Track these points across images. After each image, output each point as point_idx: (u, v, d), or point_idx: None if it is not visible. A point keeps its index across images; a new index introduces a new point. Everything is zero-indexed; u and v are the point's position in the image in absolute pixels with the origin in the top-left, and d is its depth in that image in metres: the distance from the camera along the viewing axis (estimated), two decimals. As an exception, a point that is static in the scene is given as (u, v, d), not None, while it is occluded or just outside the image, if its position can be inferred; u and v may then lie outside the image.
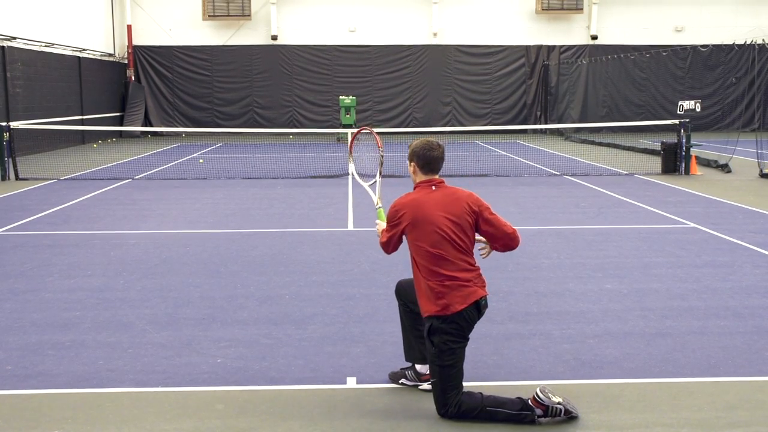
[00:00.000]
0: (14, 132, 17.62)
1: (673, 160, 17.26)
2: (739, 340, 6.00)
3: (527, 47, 33.56)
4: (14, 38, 23.01)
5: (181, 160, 21.59)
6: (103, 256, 9.09)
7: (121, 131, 30.44)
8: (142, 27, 32.87)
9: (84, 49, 28.68)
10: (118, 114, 31.98)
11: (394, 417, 4.65)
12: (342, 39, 33.39)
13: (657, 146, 20.00)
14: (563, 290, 7.45)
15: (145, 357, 5.69)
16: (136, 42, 32.88)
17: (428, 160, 4.66)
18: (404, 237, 4.71)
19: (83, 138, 28.08)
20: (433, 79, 33.42)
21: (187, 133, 31.54)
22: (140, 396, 4.99)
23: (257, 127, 32.58)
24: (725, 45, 28.76)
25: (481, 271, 4.66)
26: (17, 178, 16.75)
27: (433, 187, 4.68)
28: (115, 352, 5.79)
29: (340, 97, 29.73)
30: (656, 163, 18.36)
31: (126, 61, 32.96)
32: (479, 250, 4.87)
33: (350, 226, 11.08)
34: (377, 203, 5.20)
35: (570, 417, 4.51)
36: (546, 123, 32.72)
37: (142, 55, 32.99)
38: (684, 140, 17.16)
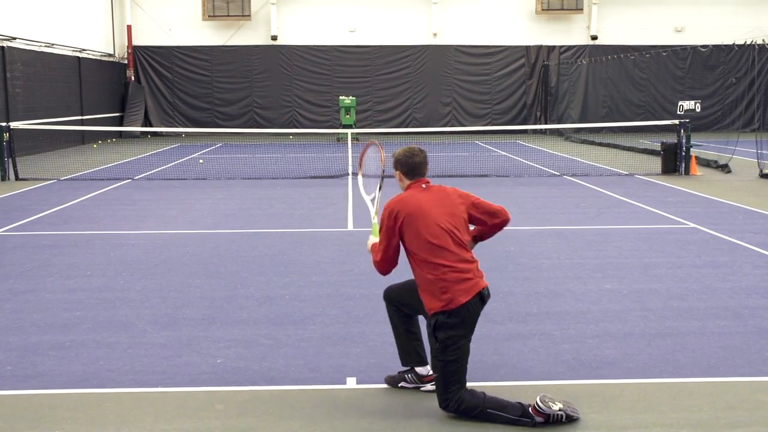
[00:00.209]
0: (14, 132, 17.62)
1: (673, 161, 17.26)
2: (738, 340, 6.00)
3: (527, 47, 33.56)
4: (14, 38, 23.02)
5: (180, 161, 21.59)
6: (103, 256, 9.09)
7: (120, 131, 30.44)
8: (142, 27, 32.86)
9: (84, 50, 28.68)
10: (118, 114, 31.98)
11: (394, 417, 4.65)
12: (342, 39, 33.39)
13: (657, 146, 20.00)
14: (563, 291, 7.46)
15: (145, 357, 5.69)
16: (135, 42, 32.88)
17: (412, 167, 4.79)
18: (401, 243, 4.71)
19: (83, 138, 28.08)
20: (433, 79, 33.42)
21: (187, 134, 31.55)
22: (140, 396, 4.99)
23: (257, 127, 32.59)
24: (725, 45, 28.76)
25: (478, 264, 4.70)
26: (17, 178, 16.75)
27: (423, 186, 4.77)
28: (115, 353, 5.79)
29: (340, 97, 29.74)
30: (656, 163, 18.36)
31: (126, 62, 32.96)
32: None
33: (350, 227, 11.08)
34: (374, 217, 5.19)
35: (572, 420, 4.52)
36: (546, 123, 32.73)
37: (141, 55, 33.00)
38: (684, 140, 17.16)
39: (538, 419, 4.46)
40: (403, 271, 5.03)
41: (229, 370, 5.41)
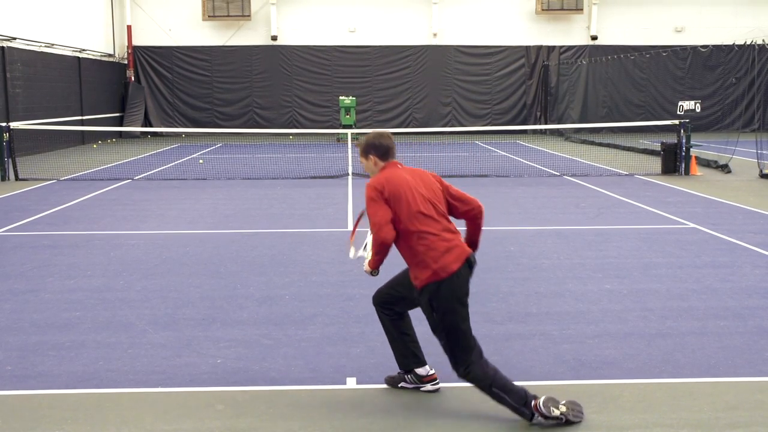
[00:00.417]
0: (14, 132, 17.62)
1: (673, 161, 17.26)
2: (738, 340, 6.00)
3: (527, 47, 33.57)
4: (14, 38, 23.02)
5: (180, 161, 21.59)
6: (103, 256, 9.09)
7: (120, 132, 30.44)
8: (142, 27, 32.87)
9: (84, 50, 28.68)
10: (117, 114, 31.98)
11: (394, 417, 4.65)
12: (342, 39, 33.39)
13: (657, 146, 20.00)
14: (563, 291, 7.45)
15: (145, 357, 5.69)
16: (135, 42, 32.89)
17: (386, 148, 4.84)
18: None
19: (83, 138, 28.08)
20: (433, 79, 33.42)
21: (187, 134, 31.56)
22: (140, 396, 4.99)
23: (257, 127, 32.58)
24: (725, 45, 28.76)
25: (461, 235, 4.77)
26: (17, 178, 16.75)
27: (399, 165, 4.83)
28: (115, 353, 5.79)
29: (340, 97, 29.74)
30: (656, 163, 18.36)
31: (126, 62, 32.96)
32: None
33: (350, 227, 11.07)
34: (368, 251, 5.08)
35: (572, 424, 4.52)
36: (546, 123, 32.73)
37: (141, 55, 33.00)
38: (684, 140, 17.16)
39: (537, 416, 4.47)
40: (391, 273, 5.03)
41: (229, 370, 5.41)
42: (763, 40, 20.23)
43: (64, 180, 16.77)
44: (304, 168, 18.79)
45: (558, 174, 17.44)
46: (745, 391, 5.02)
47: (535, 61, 33.72)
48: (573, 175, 17.09)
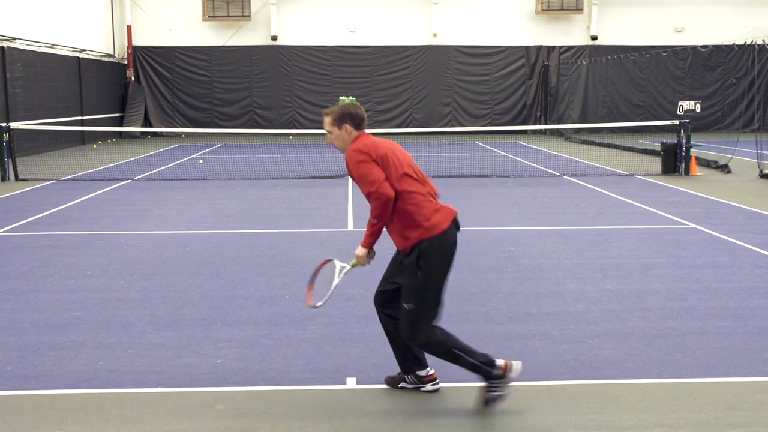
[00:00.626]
0: (14, 132, 17.61)
1: (673, 161, 17.26)
2: (738, 340, 6.00)
3: (527, 48, 33.57)
4: (14, 39, 23.02)
5: (180, 161, 21.59)
6: (103, 256, 9.09)
7: (120, 132, 30.45)
8: (142, 27, 32.87)
9: (84, 50, 28.68)
10: (117, 114, 31.98)
11: (394, 417, 4.65)
12: (342, 39, 33.39)
13: (657, 147, 20.01)
14: (563, 291, 7.45)
15: (144, 358, 5.69)
16: (135, 42, 32.89)
17: (361, 118, 4.90)
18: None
19: (83, 138, 28.08)
20: (433, 79, 33.42)
21: (187, 134, 31.54)
22: (140, 396, 4.99)
23: (257, 127, 32.58)
24: (725, 45, 28.77)
25: None
26: (17, 178, 16.75)
27: (372, 136, 4.89)
28: (115, 353, 5.78)
29: (340, 97, 29.74)
30: (656, 163, 18.36)
31: (126, 62, 32.96)
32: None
33: (350, 227, 11.08)
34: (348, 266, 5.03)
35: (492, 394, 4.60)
36: (546, 123, 32.73)
37: (141, 55, 33.00)
38: (684, 141, 17.16)
39: (496, 371, 4.57)
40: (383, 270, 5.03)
41: (229, 370, 5.41)
42: (763, 40, 20.23)
43: (64, 180, 16.77)
44: (304, 168, 18.79)
45: (558, 174, 17.43)
46: (745, 391, 5.02)
47: (535, 61, 33.73)
48: (573, 176, 17.09)
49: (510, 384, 4.64)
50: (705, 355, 5.68)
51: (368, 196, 4.66)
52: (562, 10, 33.03)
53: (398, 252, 4.78)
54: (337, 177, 16.91)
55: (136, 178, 17.19)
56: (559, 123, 30.98)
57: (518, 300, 7.14)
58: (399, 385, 5.05)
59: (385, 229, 4.78)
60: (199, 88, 33.15)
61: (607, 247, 9.44)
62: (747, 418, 4.60)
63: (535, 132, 33.15)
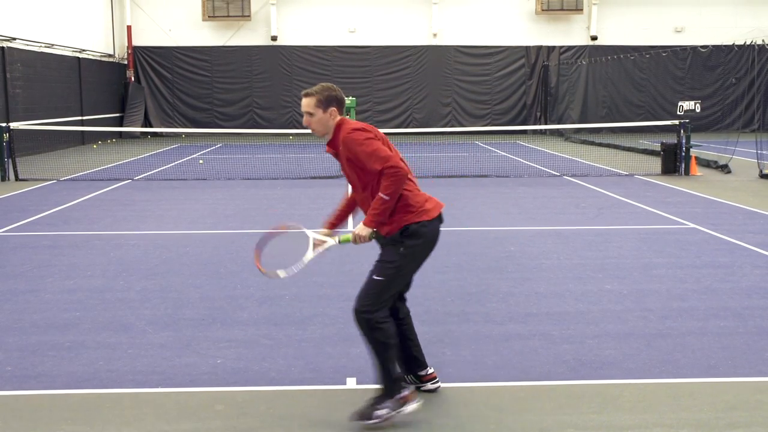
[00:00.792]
0: (14, 132, 17.62)
1: (673, 161, 17.26)
2: (738, 340, 6.00)
3: (527, 48, 33.57)
4: (14, 39, 23.02)
5: (180, 161, 21.59)
6: (103, 256, 9.09)
7: (120, 132, 30.45)
8: (142, 27, 32.87)
9: (84, 50, 28.69)
10: (117, 115, 31.98)
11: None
12: (342, 39, 33.39)
13: (657, 147, 20.01)
14: (563, 291, 7.45)
15: (144, 358, 5.69)
16: (135, 43, 32.89)
17: (343, 103, 4.79)
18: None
19: (83, 139, 28.09)
20: (433, 79, 33.42)
21: (187, 134, 31.56)
22: (140, 397, 4.99)
23: (257, 127, 32.59)
24: (725, 45, 28.77)
25: None
26: (17, 178, 16.75)
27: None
28: (115, 353, 5.78)
29: (340, 97, 29.71)
30: (656, 163, 18.36)
31: (126, 62, 32.96)
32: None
33: (350, 227, 11.06)
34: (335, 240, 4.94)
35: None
36: (546, 123, 32.73)
37: (141, 55, 33.00)
38: (684, 141, 17.16)
39: (398, 393, 4.53)
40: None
41: (229, 371, 5.41)
42: (763, 40, 20.24)
43: (64, 180, 16.77)
44: (304, 168, 18.79)
45: (558, 174, 17.43)
46: (745, 391, 5.02)
47: (535, 61, 33.73)
48: (573, 176, 17.10)
49: (398, 413, 4.51)
50: (705, 355, 5.68)
51: (381, 172, 4.46)
52: (562, 10, 33.04)
53: (381, 237, 4.69)
54: (337, 177, 16.90)
55: (136, 178, 17.19)
56: (559, 123, 30.99)
57: (518, 300, 7.14)
58: (399, 385, 5.04)
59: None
60: (199, 88, 33.15)
61: (607, 247, 9.44)
62: (747, 418, 4.60)
63: (535, 132, 33.15)
